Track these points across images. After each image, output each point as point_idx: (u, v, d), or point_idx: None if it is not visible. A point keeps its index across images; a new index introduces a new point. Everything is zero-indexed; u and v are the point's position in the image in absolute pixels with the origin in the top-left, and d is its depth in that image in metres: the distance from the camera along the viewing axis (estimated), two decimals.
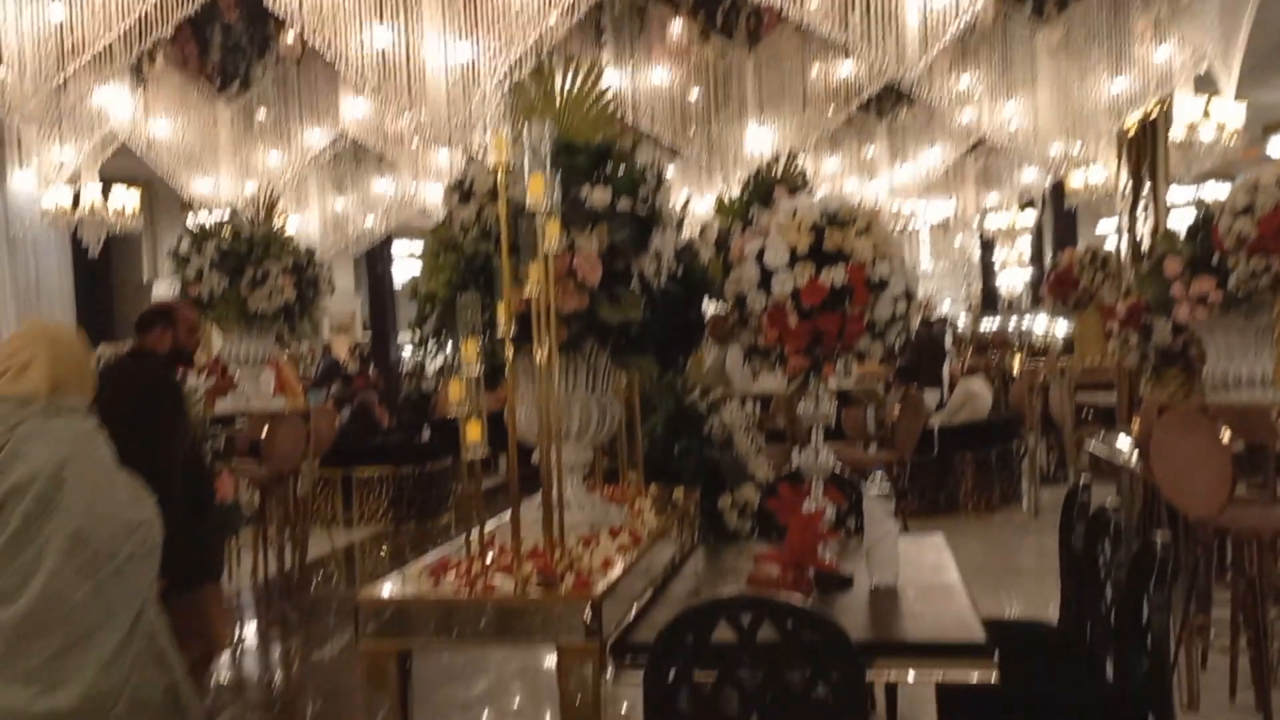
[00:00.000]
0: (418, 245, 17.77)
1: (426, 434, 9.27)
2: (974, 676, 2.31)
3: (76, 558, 2.43)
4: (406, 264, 17.62)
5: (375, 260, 16.17)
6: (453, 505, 8.64)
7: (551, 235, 2.59)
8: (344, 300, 19.47)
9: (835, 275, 2.78)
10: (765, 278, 2.89)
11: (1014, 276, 17.43)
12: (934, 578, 3.00)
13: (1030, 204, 14.13)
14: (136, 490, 2.65)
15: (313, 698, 4.51)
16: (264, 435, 5.76)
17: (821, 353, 2.87)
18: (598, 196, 2.84)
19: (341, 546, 7.79)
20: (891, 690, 3.82)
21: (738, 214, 3.61)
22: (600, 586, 2.40)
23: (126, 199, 8.66)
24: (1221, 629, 4.19)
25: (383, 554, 7.66)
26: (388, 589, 2.47)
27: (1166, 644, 2.36)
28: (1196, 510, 3.68)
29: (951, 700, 2.96)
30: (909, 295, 2.91)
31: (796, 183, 4.87)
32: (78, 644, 2.41)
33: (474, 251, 2.89)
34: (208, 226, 6.04)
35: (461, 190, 2.95)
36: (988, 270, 18.79)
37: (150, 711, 2.53)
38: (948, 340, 11.70)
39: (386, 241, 16.43)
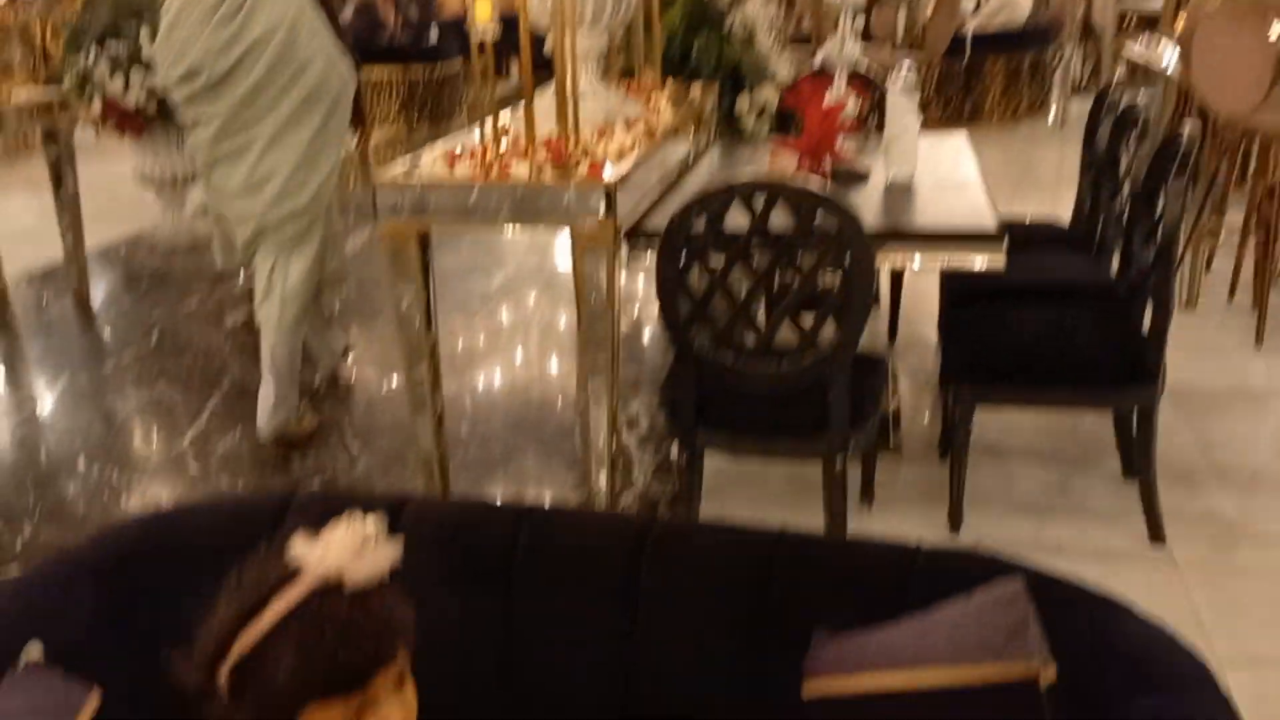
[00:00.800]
0: None
1: (435, 35, 8.92)
2: (980, 262, 2.35)
3: (312, 99, 3.00)
4: None
5: None
6: (465, 108, 8.49)
7: None
8: None
9: None
10: None
11: None
12: (951, 174, 2.98)
13: None
14: (340, 46, 3.13)
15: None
16: None
17: None
18: None
19: (354, 146, 7.77)
20: (896, 288, 3.95)
21: None
22: (614, 173, 2.39)
23: None
24: (1231, 236, 4.23)
25: (397, 154, 7.64)
26: (404, 173, 2.47)
27: (1176, 236, 2.38)
28: (1229, 108, 3.58)
29: (955, 292, 3.06)
30: None
31: None
32: (307, 163, 3.04)
33: None
34: None
35: None
36: None
37: (332, 209, 3.28)
38: None
39: None
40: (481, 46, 2.44)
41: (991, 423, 3.11)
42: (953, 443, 2.67)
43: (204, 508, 1.50)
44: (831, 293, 2.22)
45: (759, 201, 2.17)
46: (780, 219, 2.19)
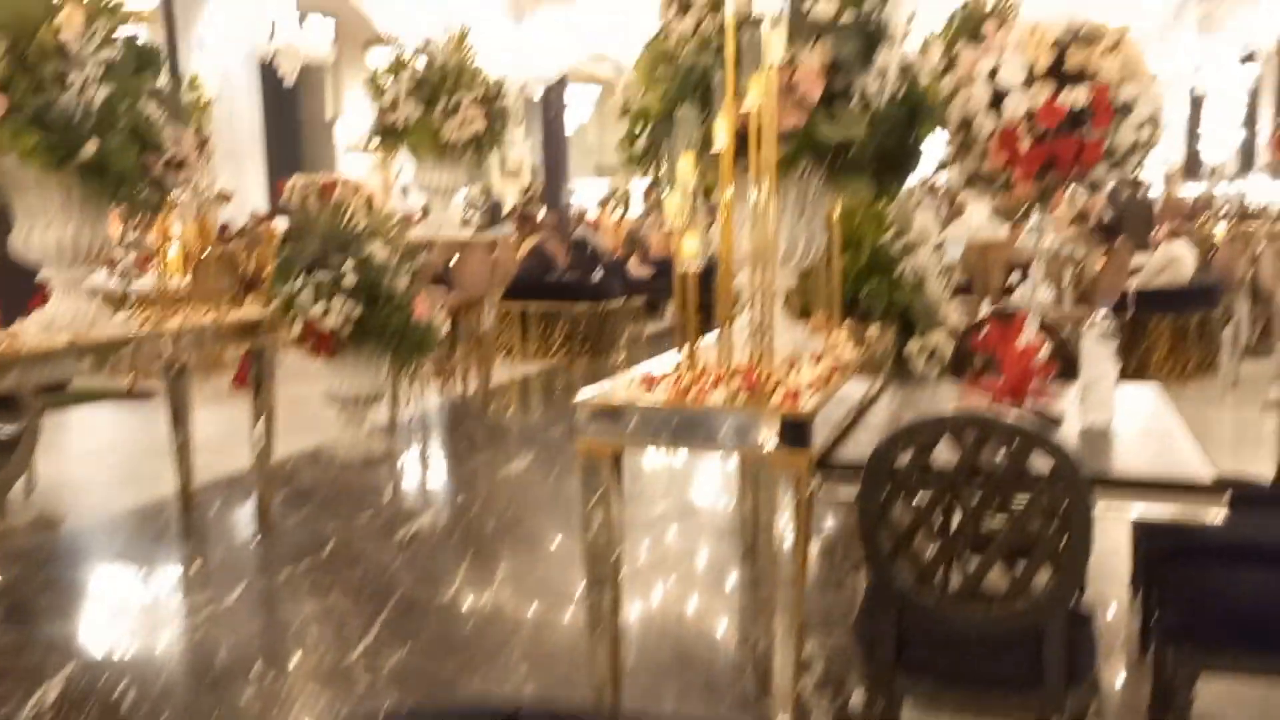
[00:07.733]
0: (591, 91, 17.69)
1: (599, 275, 9.40)
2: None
3: None
4: (578, 111, 17.62)
5: (549, 106, 16.18)
6: (623, 345, 8.80)
7: (776, 47, 2.50)
8: (513, 147, 19.66)
9: (1077, 96, 2.60)
10: (996, 99, 2.73)
11: (1220, 141, 16.29)
12: (1151, 422, 2.89)
13: (1250, 58, 12.93)
14: None
15: (500, 510, 4.76)
16: (454, 262, 5.94)
17: (1053, 180, 2.72)
18: (822, 8, 2.72)
19: (518, 377, 8.09)
20: None
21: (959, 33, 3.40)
22: (810, 403, 2.40)
23: (321, 31, 8.85)
24: None
25: (557, 388, 7.90)
26: (605, 393, 2.53)
27: None
28: None
29: (1157, 547, 2.89)
30: (1155, 122, 2.70)
31: (1007, 16, 4.54)
32: None
33: (692, 64, 2.83)
34: (401, 56, 6.09)
35: (680, 2, 2.87)
36: (1191, 134, 17.51)
37: None
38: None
39: (560, 85, 16.34)
40: (684, 278, 2.55)
41: (1208, 692, 2.84)
42: (1169, 709, 2.44)
43: (429, 712, 1.47)
44: (1045, 536, 2.12)
45: (969, 436, 2.13)
46: (987, 456, 2.14)
